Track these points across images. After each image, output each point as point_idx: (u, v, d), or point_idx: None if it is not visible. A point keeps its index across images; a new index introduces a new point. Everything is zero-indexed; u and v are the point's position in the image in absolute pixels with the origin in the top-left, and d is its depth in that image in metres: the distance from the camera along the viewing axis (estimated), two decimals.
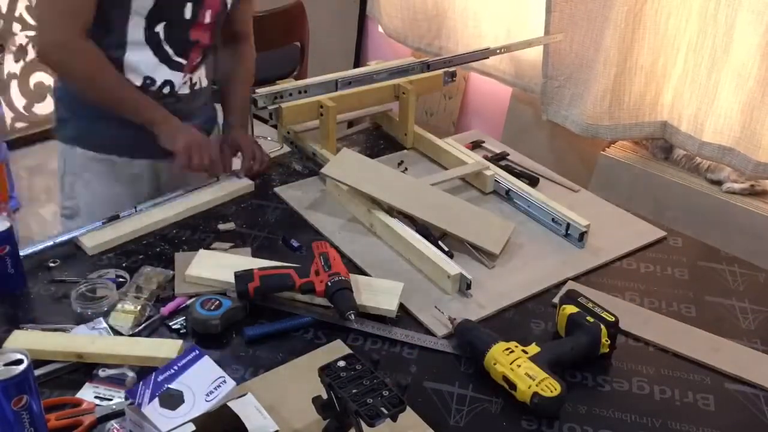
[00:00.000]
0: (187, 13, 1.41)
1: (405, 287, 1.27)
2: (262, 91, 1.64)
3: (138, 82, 1.44)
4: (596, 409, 1.07)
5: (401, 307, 1.24)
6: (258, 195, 1.57)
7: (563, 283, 1.34)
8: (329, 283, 1.18)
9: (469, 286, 1.28)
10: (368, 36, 3.43)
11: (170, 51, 1.44)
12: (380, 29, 3.17)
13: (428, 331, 1.20)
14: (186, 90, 1.52)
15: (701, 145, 2.17)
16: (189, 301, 1.21)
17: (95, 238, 1.36)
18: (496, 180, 1.60)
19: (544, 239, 1.47)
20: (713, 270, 1.40)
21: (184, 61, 1.47)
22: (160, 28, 1.40)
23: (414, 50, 3.02)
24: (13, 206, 3.04)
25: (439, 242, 1.38)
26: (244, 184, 1.56)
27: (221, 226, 1.44)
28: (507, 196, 1.58)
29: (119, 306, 1.18)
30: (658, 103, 2.28)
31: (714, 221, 2.14)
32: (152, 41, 1.41)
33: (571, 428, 1.04)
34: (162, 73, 1.46)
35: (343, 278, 1.19)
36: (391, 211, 1.44)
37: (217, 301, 1.16)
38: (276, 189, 1.57)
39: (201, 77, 1.56)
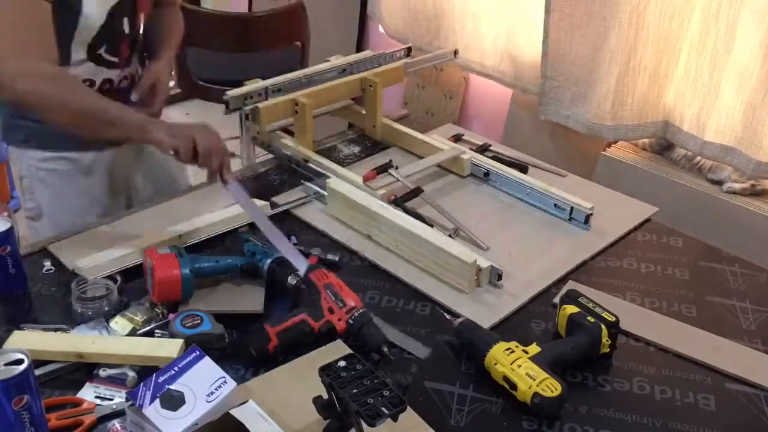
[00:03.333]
0: (126, 28, 1.48)
1: (434, 283, 1.31)
2: (231, 92, 1.64)
3: None
4: (597, 409, 1.07)
5: (433, 302, 1.27)
6: (258, 196, 1.56)
7: (583, 264, 1.38)
8: (351, 321, 1.13)
9: (500, 277, 1.29)
10: (369, 36, 3.43)
11: (107, 56, 1.47)
12: (381, 29, 3.17)
13: None
14: (125, 84, 1.55)
15: (703, 144, 2.16)
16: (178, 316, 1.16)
17: (92, 261, 1.28)
18: (473, 163, 1.65)
19: (549, 225, 1.50)
20: (714, 270, 1.40)
21: (116, 59, 1.50)
22: (102, 50, 1.45)
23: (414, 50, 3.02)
24: (14, 206, 3.03)
25: (433, 227, 1.40)
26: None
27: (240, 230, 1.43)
28: (485, 177, 1.63)
29: (127, 311, 1.18)
30: (660, 104, 2.28)
31: (714, 221, 2.14)
32: (94, 58, 1.45)
33: (571, 428, 1.04)
34: (100, 75, 1.49)
35: (362, 311, 1.15)
36: None
37: (199, 319, 1.13)
38: (273, 198, 1.55)
39: (137, 68, 1.59)
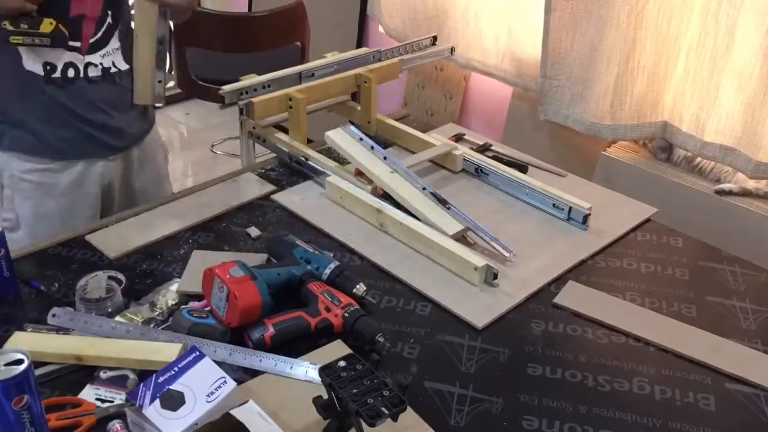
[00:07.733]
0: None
1: (432, 282, 1.30)
2: (227, 87, 1.64)
3: (39, 71, 1.41)
4: (596, 409, 1.07)
5: (433, 302, 1.26)
6: (258, 196, 1.56)
7: (581, 264, 1.38)
8: (346, 315, 1.15)
9: (495, 276, 1.30)
10: (369, 36, 3.43)
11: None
12: (381, 29, 3.17)
13: (468, 325, 1.21)
14: (97, 72, 1.47)
15: (702, 145, 2.17)
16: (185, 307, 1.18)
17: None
18: (465, 159, 1.66)
19: (547, 225, 1.50)
20: (714, 270, 1.40)
21: (76, 43, 1.42)
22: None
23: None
24: None
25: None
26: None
27: (249, 230, 1.43)
28: (477, 173, 1.65)
29: (128, 311, 1.18)
30: (659, 104, 2.28)
31: (714, 221, 2.14)
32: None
33: (571, 428, 1.04)
34: (60, 57, 1.41)
35: (357, 307, 1.17)
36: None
37: (205, 314, 1.14)
38: (273, 197, 1.55)
39: (114, 61, 1.50)
